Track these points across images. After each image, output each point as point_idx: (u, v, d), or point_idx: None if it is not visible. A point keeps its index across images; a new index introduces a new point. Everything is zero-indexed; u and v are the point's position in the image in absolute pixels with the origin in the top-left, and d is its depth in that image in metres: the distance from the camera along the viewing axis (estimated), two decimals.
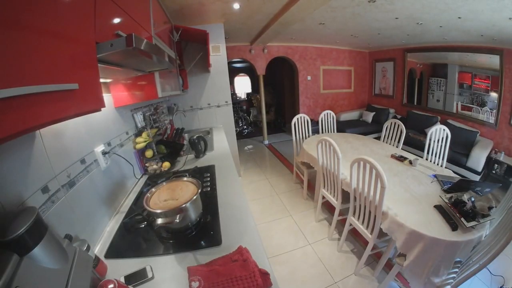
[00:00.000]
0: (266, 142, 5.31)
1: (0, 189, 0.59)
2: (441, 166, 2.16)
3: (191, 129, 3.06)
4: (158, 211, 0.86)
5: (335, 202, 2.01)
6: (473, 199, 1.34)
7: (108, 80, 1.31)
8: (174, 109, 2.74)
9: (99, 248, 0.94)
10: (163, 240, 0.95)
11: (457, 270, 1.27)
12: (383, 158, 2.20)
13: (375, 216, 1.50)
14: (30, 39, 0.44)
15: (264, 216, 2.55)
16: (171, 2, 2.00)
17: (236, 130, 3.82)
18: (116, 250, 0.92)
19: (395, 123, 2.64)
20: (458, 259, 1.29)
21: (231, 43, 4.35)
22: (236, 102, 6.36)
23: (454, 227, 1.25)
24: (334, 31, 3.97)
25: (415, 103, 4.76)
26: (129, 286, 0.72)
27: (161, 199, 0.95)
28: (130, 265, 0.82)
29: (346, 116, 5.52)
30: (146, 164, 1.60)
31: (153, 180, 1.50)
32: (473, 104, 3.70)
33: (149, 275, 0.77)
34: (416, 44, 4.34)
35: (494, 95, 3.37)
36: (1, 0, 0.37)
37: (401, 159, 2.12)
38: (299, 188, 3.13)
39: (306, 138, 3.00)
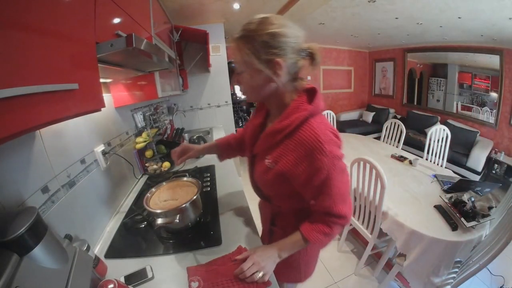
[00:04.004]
0: None
1: (0, 189, 0.59)
2: (441, 166, 2.16)
3: (191, 129, 3.06)
4: (158, 211, 0.86)
5: None
6: (473, 199, 1.34)
7: (108, 80, 1.31)
8: (174, 109, 2.73)
9: (99, 248, 0.94)
10: (163, 240, 0.95)
11: (457, 270, 1.27)
12: (383, 158, 2.20)
13: (375, 216, 1.50)
14: (30, 39, 0.44)
15: None
16: (171, 2, 2.00)
17: (236, 130, 3.82)
18: (116, 250, 0.92)
19: (395, 123, 2.64)
20: (458, 259, 1.30)
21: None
22: (236, 102, 6.35)
23: (454, 227, 1.25)
24: (334, 31, 3.97)
25: (415, 103, 4.76)
26: (129, 286, 0.72)
27: (161, 199, 0.95)
28: (130, 265, 0.82)
29: (346, 116, 5.52)
30: (146, 164, 1.60)
31: (153, 180, 1.50)
32: (473, 104, 3.70)
33: (149, 275, 0.77)
34: (416, 44, 4.35)
35: (494, 95, 3.37)
36: (1, 0, 0.37)
37: (401, 159, 2.12)
38: None
39: None
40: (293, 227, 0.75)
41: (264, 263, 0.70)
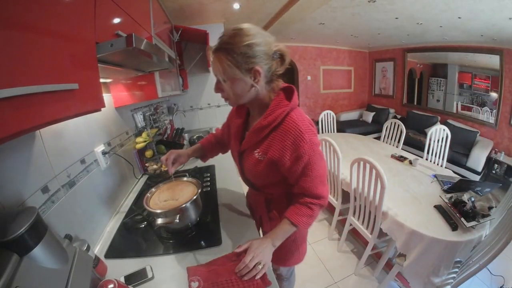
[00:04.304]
0: None
1: (0, 189, 0.59)
2: (441, 166, 2.16)
3: (191, 129, 3.06)
4: (158, 211, 0.86)
5: (335, 202, 2.01)
6: (473, 199, 1.34)
7: (108, 80, 1.31)
8: (174, 109, 2.73)
9: (99, 248, 0.94)
10: (163, 240, 0.95)
11: (457, 270, 1.27)
12: (383, 158, 2.20)
13: (375, 216, 1.50)
14: (30, 39, 0.44)
15: None
16: (171, 2, 2.00)
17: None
18: (116, 250, 0.92)
19: (395, 123, 2.64)
20: (458, 259, 1.30)
21: None
22: None
23: (454, 227, 1.25)
24: (334, 31, 3.97)
25: (415, 103, 4.76)
26: (129, 286, 0.72)
27: (161, 199, 0.95)
28: (130, 265, 0.82)
29: (346, 116, 5.52)
30: (146, 164, 1.59)
31: (153, 180, 1.50)
32: (473, 104, 3.70)
33: (149, 275, 0.77)
34: (416, 44, 4.35)
35: (494, 95, 3.37)
36: (1, 0, 0.37)
37: (401, 159, 2.12)
38: None
39: None
40: (286, 210, 0.82)
41: (262, 254, 0.74)
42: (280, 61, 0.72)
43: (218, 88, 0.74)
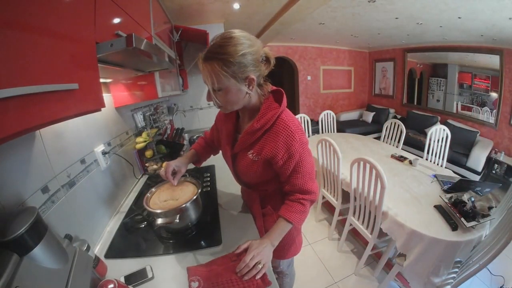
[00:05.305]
0: None
1: (0, 189, 0.59)
2: (441, 166, 2.16)
3: (191, 129, 3.06)
4: (158, 211, 0.86)
5: (335, 202, 2.01)
6: (473, 199, 1.34)
7: (108, 80, 1.31)
8: (174, 109, 2.73)
9: (99, 248, 0.94)
10: (163, 240, 0.95)
11: (457, 270, 1.27)
12: (383, 158, 2.20)
13: (375, 216, 1.50)
14: (30, 39, 0.44)
15: None
16: (171, 2, 2.00)
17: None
18: (116, 250, 0.92)
19: (395, 123, 2.64)
20: (458, 259, 1.30)
21: None
22: None
23: (454, 227, 1.25)
24: (334, 31, 3.97)
25: (415, 103, 4.77)
26: (129, 286, 0.72)
27: (161, 199, 0.95)
28: (130, 265, 0.82)
29: (346, 116, 5.52)
30: (146, 164, 1.59)
31: (153, 180, 1.50)
32: (473, 104, 3.70)
33: (149, 275, 0.77)
34: (416, 44, 4.35)
35: (494, 95, 3.37)
36: (1, 0, 0.37)
37: (401, 159, 2.12)
38: None
39: None
40: (280, 205, 0.86)
41: (262, 253, 0.76)
42: (266, 63, 0.74)
43: (213, 97, 0.74)
